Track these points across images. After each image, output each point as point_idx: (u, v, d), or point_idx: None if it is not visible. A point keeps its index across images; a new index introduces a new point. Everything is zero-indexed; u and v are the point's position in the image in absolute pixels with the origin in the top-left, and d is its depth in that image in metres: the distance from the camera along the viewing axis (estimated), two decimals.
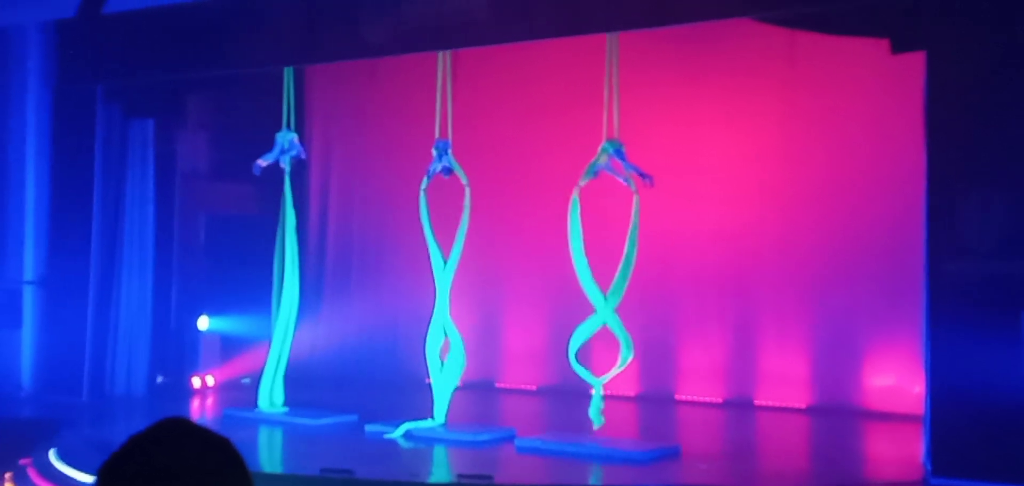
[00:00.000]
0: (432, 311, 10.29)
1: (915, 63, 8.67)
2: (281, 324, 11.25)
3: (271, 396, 11.26)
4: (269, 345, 11.33)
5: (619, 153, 9.39)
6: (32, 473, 8.96)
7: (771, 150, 12.09)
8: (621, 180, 9.53)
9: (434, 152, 10.35)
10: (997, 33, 8.26)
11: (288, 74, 11.39)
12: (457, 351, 10.15)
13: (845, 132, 11.64)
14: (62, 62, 12.74)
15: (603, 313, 9.36)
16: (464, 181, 10.17)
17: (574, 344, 9.49)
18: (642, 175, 9.42)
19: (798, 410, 11.80)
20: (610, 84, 9.56)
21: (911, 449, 9.25)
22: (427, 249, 10.35)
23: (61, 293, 12.65)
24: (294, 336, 11.41)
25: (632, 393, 12.28)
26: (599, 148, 9.50)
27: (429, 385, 10.50)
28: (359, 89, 14.25)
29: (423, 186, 10.31)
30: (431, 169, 10.31)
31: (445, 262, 10.15)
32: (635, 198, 9.36)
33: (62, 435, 10.07)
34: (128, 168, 12.78)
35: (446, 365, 10.21)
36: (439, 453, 9.78)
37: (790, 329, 12.03)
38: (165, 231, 13.18)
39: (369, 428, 10.31)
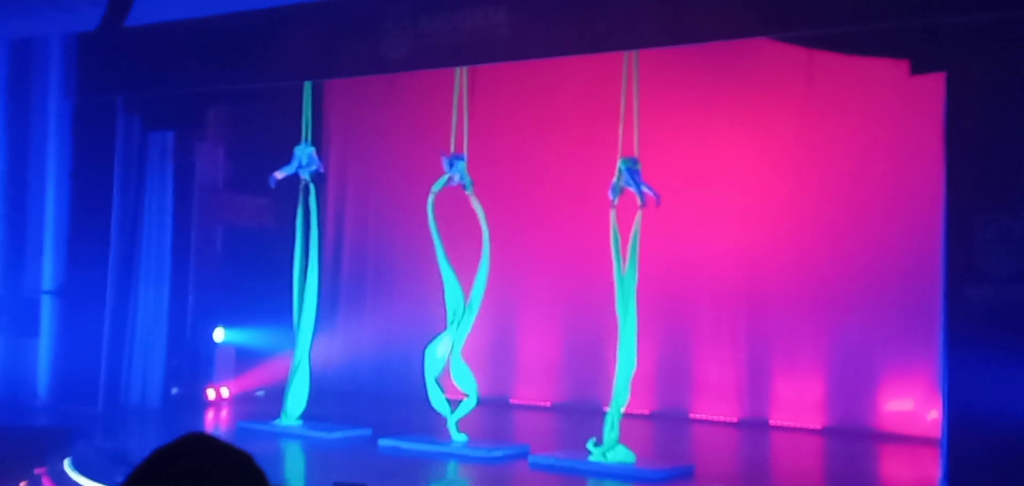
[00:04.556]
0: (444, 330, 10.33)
1: (935, 85, 8.64)
2: (303, 336, 11.27)
3: (292, 409, 11.25)
4: (293, 357, 11.33)
5: (630, 170, 9.36)
6: (47, 482, 8.99)
7: (788, 170, 12.06)
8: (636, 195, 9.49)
9: (445, 164, 10.36)
10: (1018, 56, 8.23)
11: (307, 88, 11.45)
12: (468, 388, 10.18)
13: (863, 153, 11.60)
14: (83, 73, 12.84)
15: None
16: (482, 220, 10.16)
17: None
18: (641, 194, 9.34)
19: (813, 431, 11.74)
20: (627, 101, 9.56)
21: (928, 473, 9.18)
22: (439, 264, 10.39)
23: (78, 303, 12.71)
24: (312, 348, 11.44)
25: (646, 411, 12.24)
26: (616, 166, 9.48)
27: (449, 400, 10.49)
28: (377, 104, 14.31)
29: (432, 195, 10.30)
30: (441, 181, 10.32)
31: (461, 295, 10.18)
32: (638, 214, 9.32)
33: (77, 445, 10.10)
34: (147, 179, 12.85)
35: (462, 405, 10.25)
36: (452, 469, 9.77)
37: (806, 349, 11.98)
38: (182, 243, 13.23)
39: (383, 442, 10.31)
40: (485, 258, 10.13)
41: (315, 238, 11.27)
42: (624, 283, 9.24)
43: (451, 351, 10.18)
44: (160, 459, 1.53)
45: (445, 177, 10.31)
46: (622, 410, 9.38)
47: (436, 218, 10.31)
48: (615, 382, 9.35)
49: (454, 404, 10.33)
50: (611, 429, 9.27)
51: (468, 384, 10.23)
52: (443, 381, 10.30)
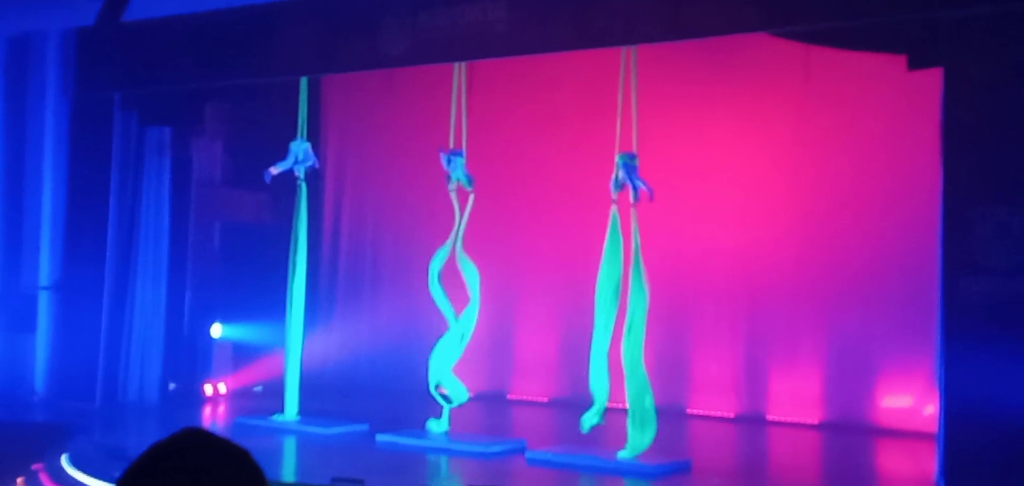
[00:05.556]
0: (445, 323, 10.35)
1: (932, 80, 8.65)
2: (294, 332, 11.29)
3: (292, 404, 11.25)
4: (288, 353, 11.33)
5: (627, 166, 9.35)
6: (44, 478, 8.98)
7: (786, 165, 12.07)
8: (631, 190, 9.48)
9: (443, 160, 10.36)
10: (1015, 50, 8.23)
11: (303, 84, 11.43)
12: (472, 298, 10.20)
13: (861, 148, 11.61)
14: (81, 69, 12.82)
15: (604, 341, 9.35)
16: (468, 187, 10.22)
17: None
18: (636, 189, 9.32)
19: (811, 426, 11.75)
20: (625, 97, 9.55)
21: (925, 467, 9.20)
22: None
23: (76, 299, 12.71)
24: (304, 344, 11.44)
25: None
26: (615, 162, 9.48)
27: (443, 395, 10.49)
28: (375, 100, 14.30)
29: (452, 188, 10.33)
30: (450, 176, 10.34)
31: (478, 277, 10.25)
32: (633, 212, 9.30)
33: (74, 440, 10.09)
34: (144, 175, 12.84)
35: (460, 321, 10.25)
36: (449, 464, 9.77)
37: (803, 344, 11.99)
38: (180, 238, 13.23)
39: (380, 437, 10.32)
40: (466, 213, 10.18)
41: (304, 233, 11.25)
42: (633, 279, 9.25)
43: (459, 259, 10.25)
44: (157, 454, 1.53)
45: (454, 179, 10.29)
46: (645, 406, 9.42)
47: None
48: (629, 384, 9.33)
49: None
50: (639, 428, 9.29)
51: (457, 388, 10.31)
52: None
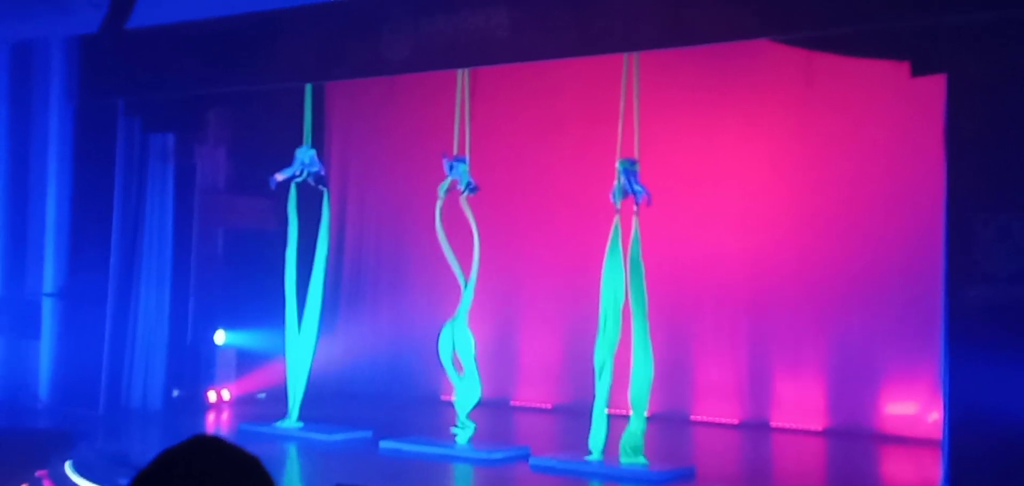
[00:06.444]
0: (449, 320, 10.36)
1: (935, 86, 8.64)
2: (299, 338, 11.31)
3: (295, 410, 11.26)
4: (295, 358, 11.35)
5: (627, 172, 9.35)
6: (48, 485, 8.99)
7: (789, 171, 12.06)
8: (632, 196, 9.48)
9: (445, 167, 10.36)
10: (1018, 57, 8.23)
11: (308, 90, 11.45)
12: (469, 372, 10.15)
13: (864, 154, 11.60)
14: (84, 76, 12.83)
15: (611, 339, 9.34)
16: (474, 228, 10.17)
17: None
18: (637, 193, 9.31)
19: (814, 433, 11.73)
20: (627, 103, 9.56)
21: (929, 474, 9.18)
22: (445, 265, 10.39)
23: (79, 305, 12.71)
24: (312, 350, 11.44)
25: (647, 412, 12.21)
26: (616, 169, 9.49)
27: (446, 401, 10.49)
28: (378, 106, 14.30)
29: (439, 201, 10.31)
30: (445, 184, 10.33)
31: (465, 280, 10.19)
32: (635, 219, 9.31)
33: (78, 447, 10.11)
34: (148, 182, 12.85)
35: (460, 386, 10.21)
36: (453, 471, 9.77)
37: (807, 350, 11.98)
38: (183, 245, 13.23)
39: (383, 444, 10.31)
40: (475, 268, 10.14)
41: (325, 240, 11.30)
42: (634, 286, 9.24)
43: (456, 331, 10.18)
44: (167, 461, 1.53)
45: (448, 180, 10.29)
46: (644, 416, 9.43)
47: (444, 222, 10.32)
48: (633, 390, 9.34)
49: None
50: (634, 436, 9.30)
51: (468, 358, 10.22)
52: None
